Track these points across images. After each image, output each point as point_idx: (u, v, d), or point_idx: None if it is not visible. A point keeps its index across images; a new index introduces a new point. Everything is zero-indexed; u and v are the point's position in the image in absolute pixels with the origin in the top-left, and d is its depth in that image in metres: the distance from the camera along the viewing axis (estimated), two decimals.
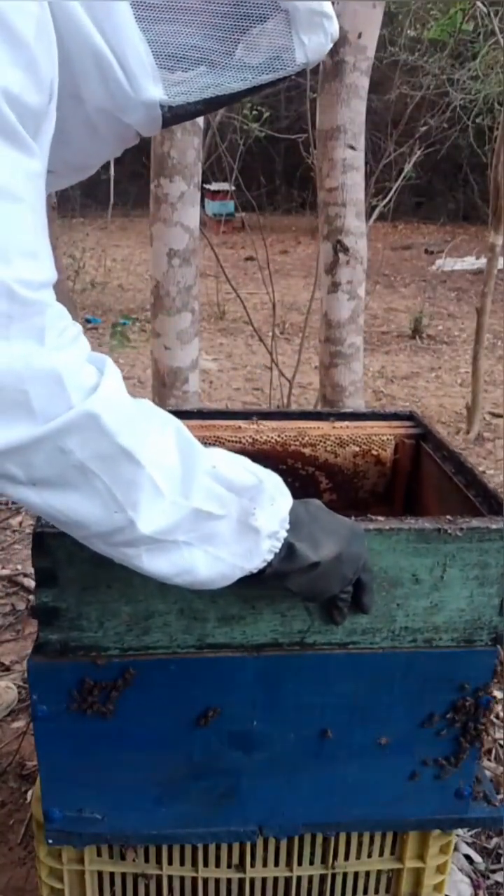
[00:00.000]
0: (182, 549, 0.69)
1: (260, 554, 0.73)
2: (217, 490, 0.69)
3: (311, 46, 0.69)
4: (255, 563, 0.73)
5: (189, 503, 0.67)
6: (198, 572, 0.71)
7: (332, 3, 0.69)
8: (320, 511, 0.79)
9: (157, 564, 0.69)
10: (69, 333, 0.62)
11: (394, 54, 6.49)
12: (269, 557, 0.73)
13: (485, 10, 3.90)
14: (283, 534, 0.74)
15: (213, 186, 8.91)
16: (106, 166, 2.67)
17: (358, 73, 2.54)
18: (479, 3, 3.91)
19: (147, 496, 0.65)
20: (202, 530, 0.69)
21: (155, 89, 0.66)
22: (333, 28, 0.70)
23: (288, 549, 0.74)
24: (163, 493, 0.65)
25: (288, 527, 0.74)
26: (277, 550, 0.73)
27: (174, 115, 0.69)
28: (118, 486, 0.63)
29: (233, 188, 5.29)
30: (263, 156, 10.67)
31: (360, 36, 2.44)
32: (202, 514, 0.68)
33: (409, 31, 6.45)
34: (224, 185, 8.74)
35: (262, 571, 0.74)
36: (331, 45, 0.71)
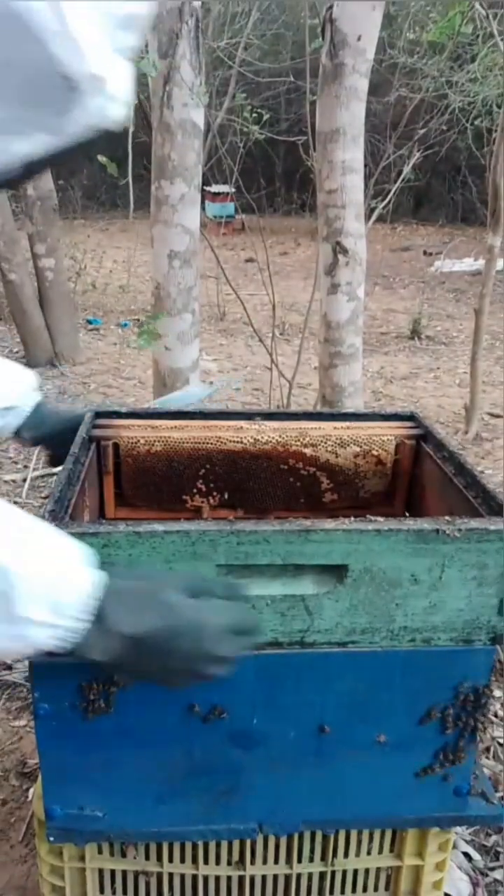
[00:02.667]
0: None
1: (35, 643, 0.71)
2: None
3: (96, 112, 0.57)
4: (27, 649, 0.72)
5: None
6: None
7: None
8: (153, 595, 0.76)
9: None
10: None
11: (393, 57, 6.51)
12: (52, 645, 0.71)
13: (484, 12, 3.91)
14: (64, 623, 0.71)
15: (214, 188, 8.92)
16: (123, 171, 2.67)
17: (357, 76, 2.55)
18: (477, 6, 3.92)
19: None
20: None
21: None
22: (121, 92, 0.57)
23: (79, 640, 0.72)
24: None
25: (80, 617, 0.71)
26: (64, 642, 0.71)
27: None
28: None
29: (233, 190, 5.30)
30: (263, 158, 10.69)
31: (359, 38, 2.45)
32: None
33: (408, 34, 6.46)
34: (224, 188, 8.76)
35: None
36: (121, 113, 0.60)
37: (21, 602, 0.68)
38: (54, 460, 1.22)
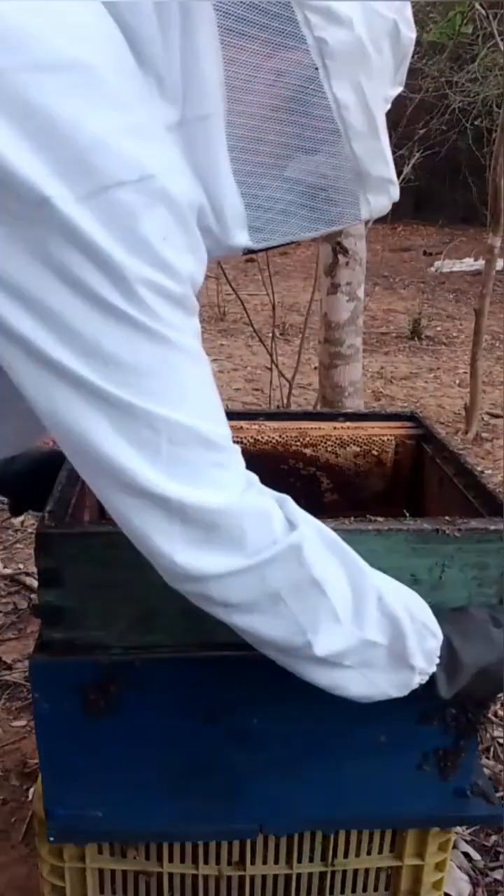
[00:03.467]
0: (344, 671, 0.76)
1: (410, 687, 0.80)
2: (383, 623, 0.75)
3: (376, 207, 0.77)
4: (403, 693, 0.80)
5: (361, 633, 0.74)
6: (350, 690, 0.77)
7: None
8: (476, 632, 0.84)
9: (317, 677, 0.76)
10: (252, 475, 0.72)
11: None
12: (416, 688, 0.80)
13: (484, 12, 3.91)
14: (432, 669, 0.80)
15: None
16: None
17: None
18: (478, 6, 3.92)
19: (326, 623, 0.72)
20: (365, 656, 0.75)
21: (242, 237, 0.72)
22: (396, 193, 0.78)
23: (428, 682, 0.80)
24: (340, 620, 0.73)
25: (437, 661, 0.80)
26: (424, 682, 0.80)
27: (247, 253, 0.76)
28: (303, 612, 0.71)
29: None
30: None
31: None
32: (369, 643, 0.75)
33: None
34: None
35: None
36: (390, 207, 0.80)
37: (410, 652, 0.76)
38: (15, 509, 1.17)
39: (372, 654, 0.75)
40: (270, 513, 0.69)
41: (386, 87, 0.73)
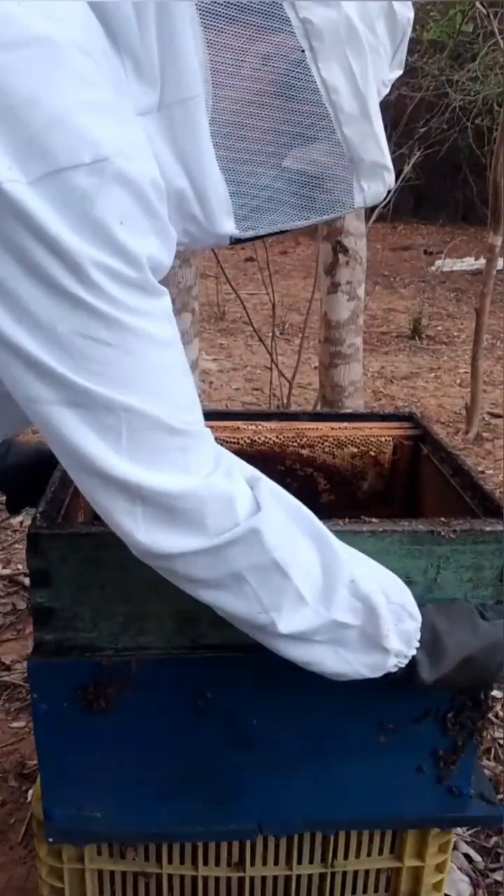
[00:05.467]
0: (315, 646, 0.76)
1: (384, 669, 0.79)
2: (355, 604, 0.75)
3: (370, 194, 0.76)
4: (377, 675, 0.79)
5: (329, 614, 0.74)
6: (323, 665, 0.77)
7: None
8: (462, 620, 0.84)
9: (291, 653, 0.76)
10: (225, 456, 0.71)
11: None
12: (394, 671, 0.79)
13: (484, 11, 3.91)
14: (412, 652, 0.79)
15: None
16: None
17: None
18: (478, 5, 3.92)
19: (290, 602, 0.72)
20: (335, 634, 0.76)
21: (228, 225, 0.71)
22: (391, 179, 0.77)
23: (409, 665, 0.79)
24: (305, 600, 0.73)
25: (417, 645, 0.79)
26: (403, 667, 0.79)
27: (235, 242, 0.75)
28: (265, 592, 0.71)
29: None
30: None
31: None
32: (339, 623, 0.75)
33: None
34: None
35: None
36: (385, 194, 0.78)
37: (384, 633, 0.76)
38: (11, 505, 1.16)
39: (343, 633, 0.75)
40: (234, 496, 0.69)
41: (383, 70, 0.70)
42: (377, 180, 0.76)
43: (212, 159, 0.68)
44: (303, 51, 0.66)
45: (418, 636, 0.79)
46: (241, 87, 0.67)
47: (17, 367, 0.62)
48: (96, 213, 0.58)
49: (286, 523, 0.72)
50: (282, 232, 0.75)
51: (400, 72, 0.73)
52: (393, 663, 0.79)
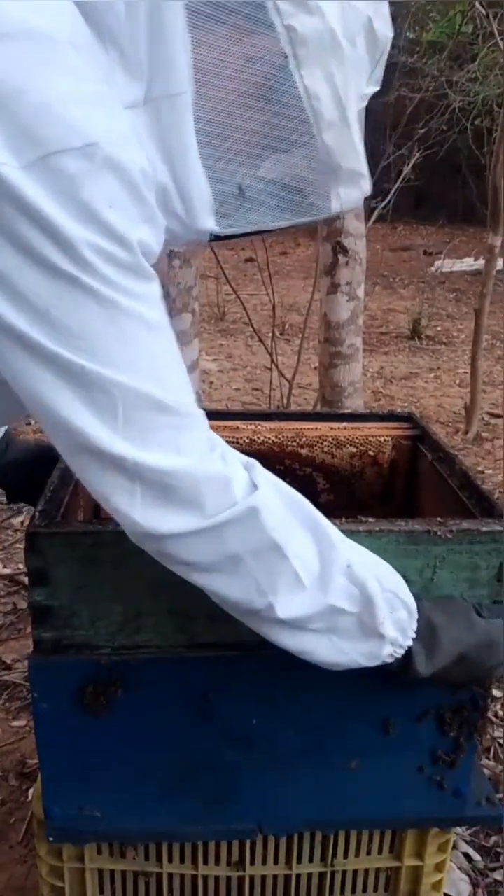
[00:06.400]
0: (310, 635, 0.76)
1: (381, 657, 0.78)
2: (351, 590, 0.74)
3: (347, 200, 0.77)
4: (373, 664, 0.79)
5: (326, 599, 0.73)
6: (317, 654, 0.77)
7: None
8: (458, 616, 0.84)
9: (285, 641, 0.76)
10: (220, 441, 0.71)
11: (392, 56, 6.49)
12: (389, 661, 0.79)
13: (484, 12, 3.91)
14: (408, 643, 0.79)
15: None
16: None
17: None
18: (478, 5, 3.92)
19: (287, 586, 0.72)
20: (331, 622, 0.75)
21: (209, 221, 0.72)
22: (368, 187, 0.78)
23: (405, 656, 0.79)
24: (303, 584, 0.72)
25: (413, 636, 0.79)
26: (399, 657, 0.79)
27: (214, 239, 0.76)
28: (263, 574, 0.71)
29: None
30: None
31: None
32: (336, 609, 0.74)
33: (407, 34, 6.45)
34: None
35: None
36: (362, 201, 0.80)
37: (379, 620, 0.75)
38: (12, 494, 1.16)
39: (339, 620, 0.75)
40: (231, 476, 0.69)
41: (360, 83, 0.72)
42: (354, 187, 0.77)
43: (195, 156, 0.69)
44: (286, 56, 0.67)
45: (414, 626, 0.79)
46: (225, 88, 0.68)
47: (11, 347, 0.62)
48: (84, 195, 0.59)
49: (282, 507, 0.72)
50: (262, 232, 0.76)
51: (377, 88, 0.75)
52: (388, 651, 0.78)
